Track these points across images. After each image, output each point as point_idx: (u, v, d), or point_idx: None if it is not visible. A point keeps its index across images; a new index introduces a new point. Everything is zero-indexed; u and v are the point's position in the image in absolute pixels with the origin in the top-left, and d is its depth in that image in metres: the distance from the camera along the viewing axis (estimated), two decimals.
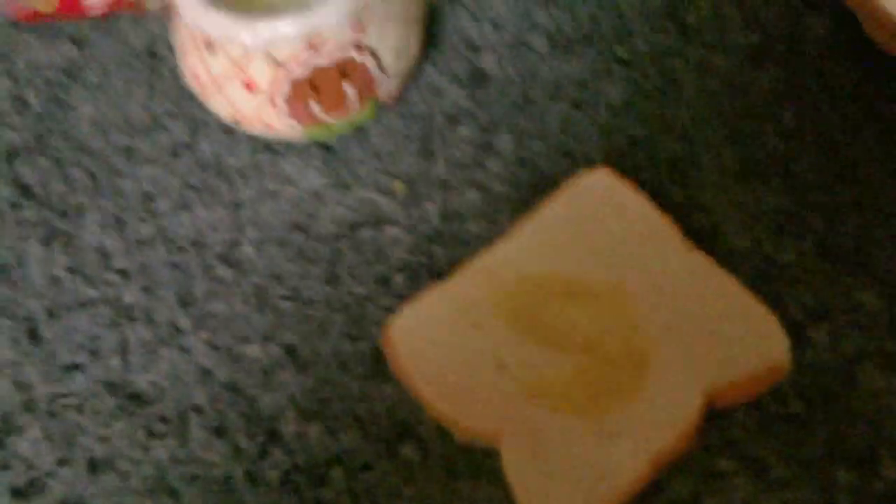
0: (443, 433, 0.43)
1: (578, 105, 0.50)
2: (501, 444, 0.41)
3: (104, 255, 0.48)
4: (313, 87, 0.46)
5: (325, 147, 0.50)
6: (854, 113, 0.48)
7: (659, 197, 0.47)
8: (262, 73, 0.46)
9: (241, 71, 0.46)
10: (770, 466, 0.41)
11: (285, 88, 0.46)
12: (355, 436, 0.43)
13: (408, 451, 0.43)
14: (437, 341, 0.43)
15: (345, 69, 0.46)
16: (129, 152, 0.50)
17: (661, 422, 0.41)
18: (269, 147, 0.50)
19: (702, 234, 0.46)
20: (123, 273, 0.47)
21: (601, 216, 0.46)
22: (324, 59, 0.46)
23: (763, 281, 0.45)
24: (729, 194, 0.47)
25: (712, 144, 0.48)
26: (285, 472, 0.42)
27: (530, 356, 0.43)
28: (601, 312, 0.43)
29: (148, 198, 0.49)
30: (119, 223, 0.49)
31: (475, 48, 0.52)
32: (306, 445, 0.43)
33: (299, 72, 0.46)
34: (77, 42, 0.53)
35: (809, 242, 0.46)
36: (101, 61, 0.53)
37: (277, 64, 0.46)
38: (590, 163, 0.48)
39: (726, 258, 0.45)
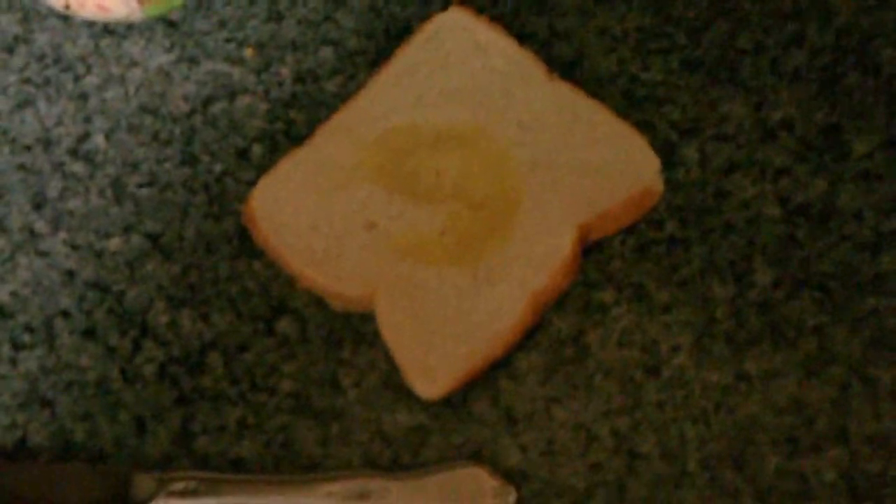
0: (319, 304, 0.42)
1: None
2: (376, 305, 0.41)
3: None
4: None
5: (169, 23, 0.48)
6: None
7: (520, 30, 0.46)
8: None
9: None
10: (650, 292, 0.41)
11: None
12: (229, 317, 0.43)
13: (284, 326, 0.42)
14: (301, 209, 0.43)
15: None
16: None
17: (535, 260, 0.41)
18: (108, 30, 0.48)
19: (566, 63, 0.45)
20: None
21: (459, 58, 0.44)
22: None
23: (631, 104, 0.44)
24: (591, 19, 0.46)
25: None
26: (161, 364, 0.42)
27: (399, 211, 0.42)
28: (468, 157, 0.43)
29: None
30: None
31: None
32: (180, 334, 0.43)
33: None
34: None
35: (675, 59, 0.45)
36: None
37: None
38: (446, 4, 0.47)
39: (593, 85, 0.45)
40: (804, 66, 0.44)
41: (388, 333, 0.41)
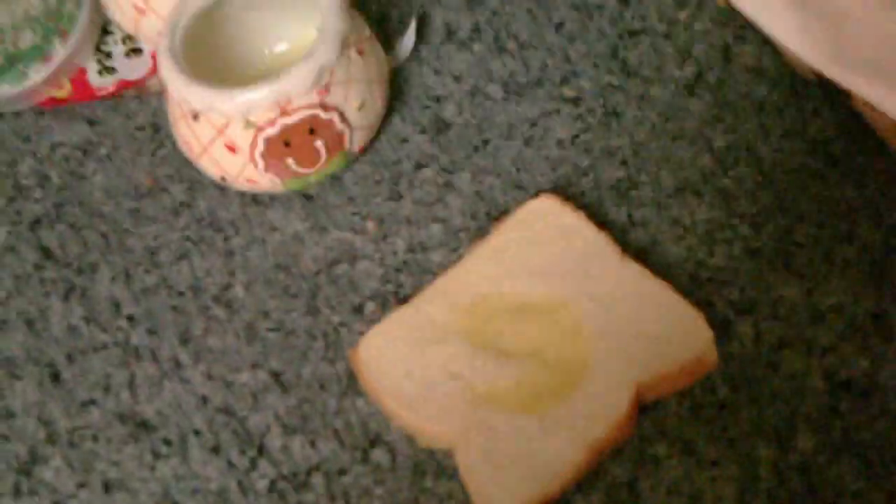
0: (409, 439, 0.49)
1: (529, 142, 0.57)
2: (456, 444, 0.48)
3: (115, 304, 0.56)
4: (286, 144, 0.54)
5: (305, 196, 0.58)
6: (775, 128, 0.55)
7: (601, 218, 0.54)
8: (240, 136, 0.54)
9: (223, 135, 0.55)
10: (699, 448, 0.47)
11: (261, 147, 0.54)
12: (333, 445, 0.50)
13: (378, 456, 0.49)
14: (400, 358, 0.50)
15: (313, 127, 0.54)
16: (135, 214, 0.59)
17: (595, 414, 0.47)
18: (256, 200, 0.58)
19: (640, 248, 0.53)
20: (131, 318, 0.55)
21: (546, 238, 0.52)
22: (293, 119, 0.54)
23: (695, 285, 0.51)
24: (665, 210, 0.54)
25: (650, 168, 0.55)
26: (272, 481, 0.50)
27: (482, 366, 0.49)
28: (545, 323, 0.50)
29: (152, 252, 0.57)
30: (127, 276, 0.57)
31: (437, 99, 0.59)
32: (290, 456, 0.50)
33: (272, 132, 0.54)
34: (90, 122, 0.62)
35: (737, 247, 0.52)
36: (111, 137, 0.62)
37: (253, 126, 0.54)
38: (539, 193, 0.55)
39: (663, 267, 0.52)
40: (854, 258, 0.50)
41: (465, 469, 0.47)
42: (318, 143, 0.55)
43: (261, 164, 0.55)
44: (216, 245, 0.57)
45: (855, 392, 0.47)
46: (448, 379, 0.49)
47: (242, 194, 0.58)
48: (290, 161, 0.55)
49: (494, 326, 0.51)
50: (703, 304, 0.50)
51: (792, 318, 0.49)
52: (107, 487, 0.51)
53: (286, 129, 0.54)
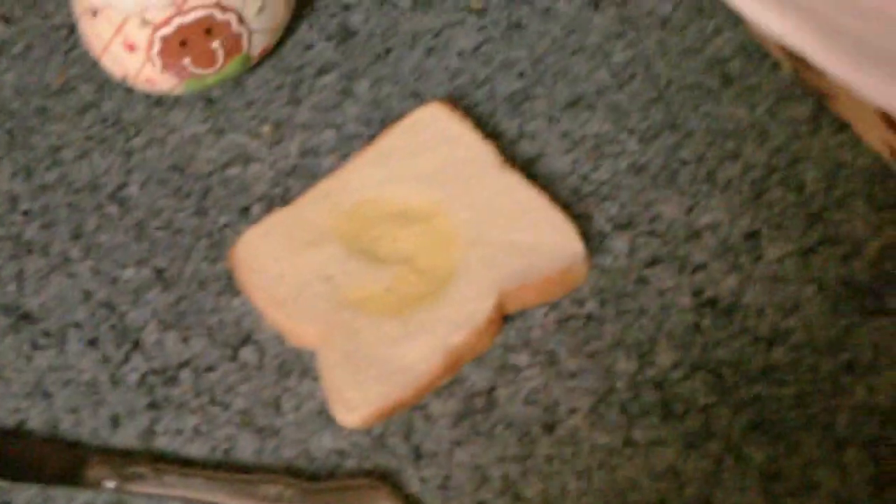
0: (278, 339, 0.49)
1: (431, 52, 0.56)
2: (319, 345, 0.47)
3: (12, 199, 0.56)
4: (182, 44, 0.54)
5: (208, 99, 0.57)
6: (675, 45, 0.53)
7: (492, 128, 0.53)
8: (137, 34, 0.53)
9: (121, 33, 0.54)
10: (560, 359, 0.46)
11: (158, 47, 0.54)
12: (204, 342, 0.50)
13: (247, 354, 0.49)
14: (275, 258, 0.50)
15: (210, 27, 0.54)
16: (42, 112, 0.58)
17: (457, 321, 0.46)
18: (160, 101, 0.57)
19: (527, 159, 0.52)
20: (26, 213, 0.55)
21: (431, 145, 0.51)
22: (188, 19, 0.53)
23: (577, 198, 0.50)
24: (556, 124, 0.52)
25: (546, 81, 0.54)
26: (142, 374, 0.49)
27: (354, 270, 0.49)
28: (421, 230, 0.49)
29: (55, 150, 0.57)
30: (28, 172, 0.56)
31: (346, 7, 0.58)
32: (163, 352, 0.50)
33: (168, 31, 0.53)
34: (6, 19, 0.62)
35: (623, 162, 0.51)
36: (26, 35, 0.61)
37: (149, 25, 0.53)
38: (435, 100, 0.54)
39: (547, 179, 0.51)
40: (736, 178, 0.49)
41: (324, 369, 0.47)
42: (215, 45, 0.54)
43: (158, 63, 0.54)
44: (117, 145, 0.57)
45: (719, 310, 0.46)
46: (319, 281, 0.49)
47: (147, 96, 0.58)
48: (186, 61, 0.54)
49: (372, 232, 0.50)
50: (582, 218, 0.49)
51: (668, 235, 0.48)
52: None
53: (182, 29, 0.53)
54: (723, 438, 0.43)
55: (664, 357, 0.45)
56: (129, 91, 0.58)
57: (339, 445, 0.46)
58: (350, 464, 0.45)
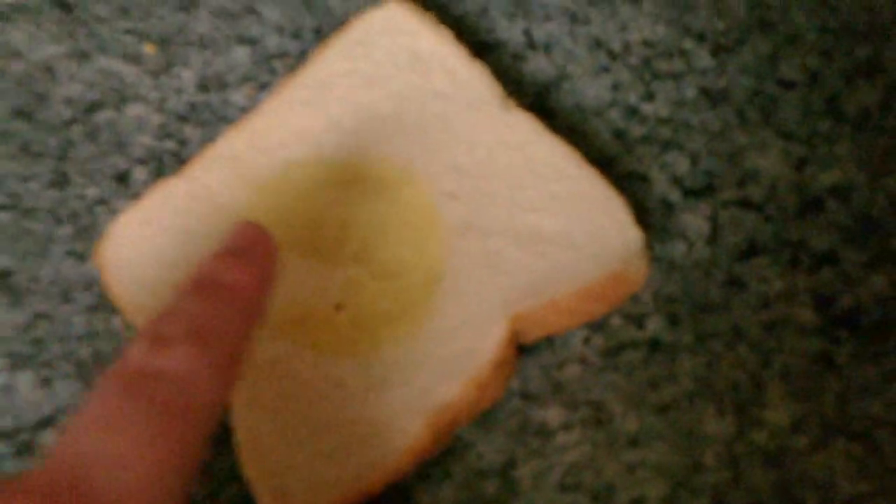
0: None
1: None
2: (234, 397, 0.28)
3: None
4: None
5: (62, 5, 0.36)
6: None
7: (483, 36, 0.32)
8: None
9: None
10: (613, 416, 0.27)
11: None
12: (74, 387, 0.31)
13: None
14: (160, 258, 0.30)
15: None
16: None
17: (447, 362, 0.27)
18: None
19: (542, 83, 0.31)
20: None
21: (391, 71, 0.31)
22: None
23: (622, 147, 0.30)
24: (581, 25, 0.32)
25: None
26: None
27: (285, 276, 0.29)
28: (385, 209, 0.30)
29: None
30: None
31: None
32: (13, 404, 0.31)
33: None
34: None
35: (691, 86, 0.30)
36: None
37: None
38: None
39: (573, 116, 0.31)
40: (875, 106, 0.29)
41: (243, 438, 0.28)
42: None
43: None
44: None
45: (862, 331, 0.27)
46: None
47: None
48: None
49: (308, 212, 0.30)
50: (633, 181, 0.30)
51: (771, 206, 0.29)
52: None
53: None
54: None
55: (778, 412, 0.27)
56: None
57: None
58: None
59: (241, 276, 0.24)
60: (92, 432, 0.20)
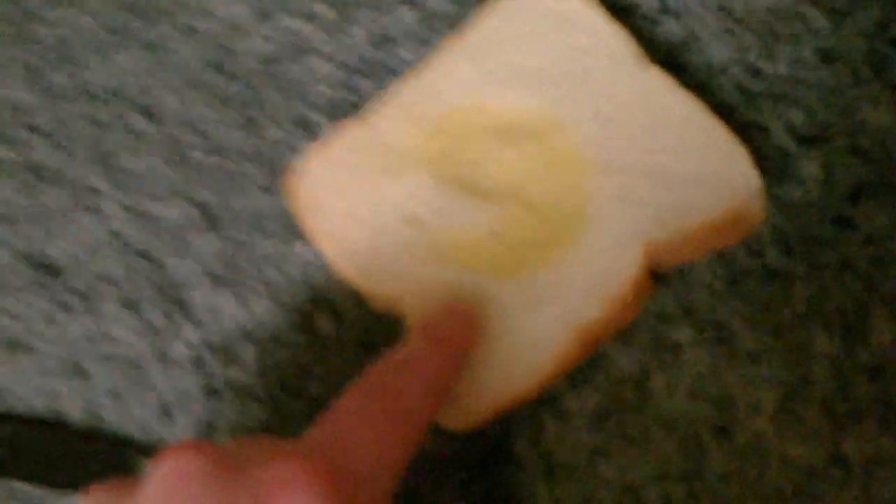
0: (358, 300, 0.35)
1: None
2: (407, 313, 0.33)
3: (16, 110, 0.41)
4: None
5: None
6: None
7: (623, 3, 0.36)
8: None
9: None
10: (735, 334, 0.31)
11: None
12: (266, 305, 0.36)
13: (322, 322, 0.35)
14: (344, 193, 0.35)
15: None
16: None
17: (592, 285, 0.31)
18: None
19: (674, 44, 0.35)
20: (33, 129, 0.40)
21: (541, 31, 0.35)
22: None
23: (746, 99, 0.34)
24: None
25: None
26: (195, 349, 0.36)
27: (447, 207, 0.34)
28: (534, 151, 0.34)
29: (62, 43, 0.41)
30: (32, 74, 0.41)
31: None
32: (217, 318, 0.36)
33: None
34: None
35: (808, 47, 0.34)
36: None
37: None
38: None
39: (702, 73, 0.34)
40: None
41: None
42: None
43: None
44: (137, 35, 0.41)
45: None
46: (403, 224, 0.34)
47: None
48: None
49: (468, 153, 0.34)
50: (754, 130, 0.33)
51: (879, 153, 0.32)
52: (10, 346, 0.38)
53: None
54: None
55: (882, 332, 0.30)
56: None
57: (442, 451, 0.32)
58: (460, 477, 0.32)
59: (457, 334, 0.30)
60: (345, 421, 0.26)
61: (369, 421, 0.26)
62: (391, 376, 0.28)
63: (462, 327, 0.31)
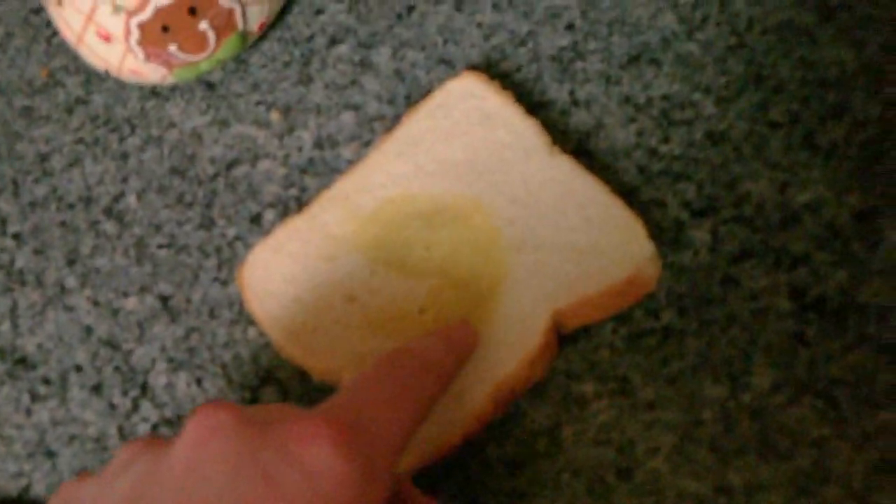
0: (302, 375, 0.43)
1: (461, 6, 0.48)
2: (343, 381, 0.41)
3: (1, 220, 0.50)
4: (165, 29, 0.47)
5: (207, 84, 0.50)
6: None
7: (538, 97, 0.45)
8: (110, 22, 0.47)
9: (92, 21, 0.47)
10: (634, 387, 0.39)
11: (137, 35, 0.47)
12: (220, 384, 0.44)
13: (268, 395, 0.43)
14: (288, 278, 0.43)
15: (193, 6, 0.46)
16: (27, 113, 0.53)
17: (505, 348, 0.39)
18: (155, 92, 0.51)
19: (583, 132, 0.44)
20: (17, 237, 0.50)
21: (464, 127, 0.44)
22: (166, 0, 0.46)
23: (645, 178, 0.42)
24: (615, 86, 0.44)
25: (601, 32, 0.45)
26: (153, 425, 0.44)
27: (381, 286, 0.42)
28: (459, 232, 0.42)
29: (42, 158, 0.51)
30: (16, 187, 0.51)
31: None
32: (174, 397, 0.44)
33: (145, 16, 0.46)
34: None
35: (698, 130, 0.42)
36: (3, 23, 0.55)
37: (122, 11, 0.46)
38: (469, 68, 0.47)
39: (608, 156, 0.43)
40: (842, 140, 0.41)
41: None
42: (203, 26, 0.47)
43: (140, 53, 0.47)
44: (110, 147, 0.50)
45: (828, 313, 0.38)
46: (342, 302, 0.42)
47: (140, 86, 0.51)
48: (173, 49, 0.47)
49: (401, 237, 0.43)
50: (652, 205, 0.42)
51: (759, 221, 0.40)
52: None
53: (161, 12, 0.46)
54: (841, 483, 0.36)
55: (762, 378, 0.38)
56: (122, 83, 0.52)
57: None
58: None
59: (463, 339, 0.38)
60: (363, 390, 0.33)
61: (383, 391, 0.33)
62: (407, 359, 0.35)
63: (469, 336, 0.38)
